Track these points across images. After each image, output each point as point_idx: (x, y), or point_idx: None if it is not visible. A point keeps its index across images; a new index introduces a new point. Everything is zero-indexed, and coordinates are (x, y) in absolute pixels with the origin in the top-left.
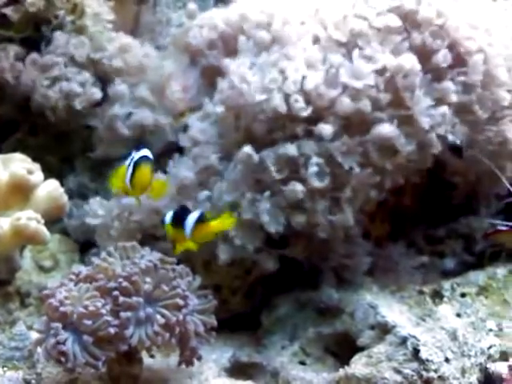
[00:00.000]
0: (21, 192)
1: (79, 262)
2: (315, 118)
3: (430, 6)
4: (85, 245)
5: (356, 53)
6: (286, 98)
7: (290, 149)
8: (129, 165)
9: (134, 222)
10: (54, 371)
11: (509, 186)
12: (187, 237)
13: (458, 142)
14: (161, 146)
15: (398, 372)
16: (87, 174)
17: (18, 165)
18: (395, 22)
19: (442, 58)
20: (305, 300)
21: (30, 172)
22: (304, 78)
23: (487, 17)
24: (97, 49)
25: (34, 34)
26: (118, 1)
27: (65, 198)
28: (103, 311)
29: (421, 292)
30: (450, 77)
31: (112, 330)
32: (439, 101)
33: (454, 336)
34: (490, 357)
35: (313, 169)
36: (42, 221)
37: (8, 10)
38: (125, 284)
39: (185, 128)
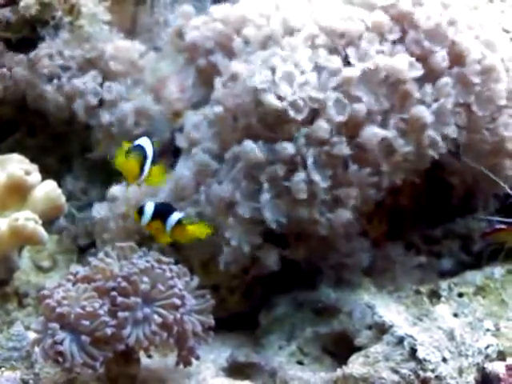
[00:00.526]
0: (18, 193)
1: (77, 263)
2: (311, 118)
3: (427, 7)
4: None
5: (352, 53)
6: (283, 97)
7: (289, 147)
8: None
9: (131, 223)
10: (52, 371)
11: (508, 189)
12: (166, 233)
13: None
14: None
15: (396, 372)
16: (85, 174)
17: (16, 165)
18: (390, 21)
19: (440, 58)
20: (302, 300)
21: (27, 173)
22: (302, 77)
23: (484, 18)
24: (93, 49)
25: (32, 35)
26: (116, 1)
27: (62, 198)
28: (101, 312)
29: (418, 292)
30: (448, 77)
31: (109, 331)
32: (437, 101)
33: (451, 336)
34: (487, 356)
35: (311, 166)
36: (40, 221)
37: (5, 11)
38: (123, 284)
39: (182, 128)
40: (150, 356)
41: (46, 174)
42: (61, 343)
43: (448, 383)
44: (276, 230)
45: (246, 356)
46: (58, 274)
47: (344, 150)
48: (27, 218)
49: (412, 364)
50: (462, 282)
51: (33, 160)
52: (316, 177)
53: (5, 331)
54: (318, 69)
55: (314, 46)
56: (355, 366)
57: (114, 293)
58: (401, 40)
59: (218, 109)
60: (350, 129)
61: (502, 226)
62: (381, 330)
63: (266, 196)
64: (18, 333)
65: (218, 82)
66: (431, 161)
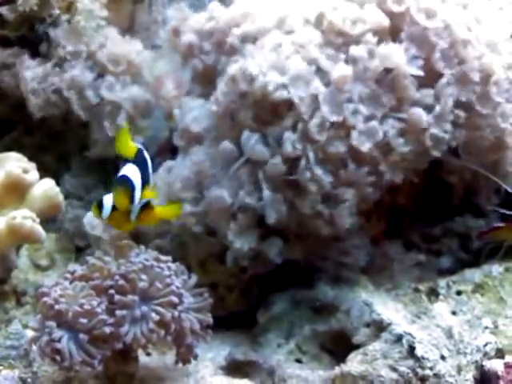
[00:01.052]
0: (16, 191)
1: (75, 261)
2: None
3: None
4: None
5: (352, 50)
6: (282, 91)
7: (288, 146)
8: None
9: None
10: (50, 370)
11: (507, 187)
12: (130, 221)
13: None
14: (156, 145)
15: (394, 369)
16: (83, 173)
17: (14, 164)
18: (387, 20)
19: (440, 56)
20: (300, 298)
21: (25, 171)
22: (300, 73)
23: (483, 15)
24: (90, 46)
25: (30, 33)
26: (113, 0)
27: (60, 197)
28: (98, 310)
29: (416, 290)
30: (447, 75)
31: (107, 329)
32: (436, 100)
33: (449, 334)
34: (485, 354)
35: (311, 164)
36: (38, 220)
37: (3, 10)
38: (121, 282)
39: (179, 126)
40: (148, 354)
41: (43, 172)
42: (58, 341)
43: (446, 381)
44: (276, 226)
45: (244, 354)
46: (56, 273)
47: (340, 148)
48: (25, 217)
49: (410, 362)
50: (460, 279)
51: (30, 158)
52: (318, 171)
53: (3, 329)
54: (316, 65)
55: (313, 43)
56: (353, 363)
57: (111, 291)
58: (400, 38)
59: (216, 107)
60: (347, 127)
61: (500, 225)
62: (379, 327)
63: (266, 192)
64: (15, 331)
65: (216, 81)
66: (430, 159)
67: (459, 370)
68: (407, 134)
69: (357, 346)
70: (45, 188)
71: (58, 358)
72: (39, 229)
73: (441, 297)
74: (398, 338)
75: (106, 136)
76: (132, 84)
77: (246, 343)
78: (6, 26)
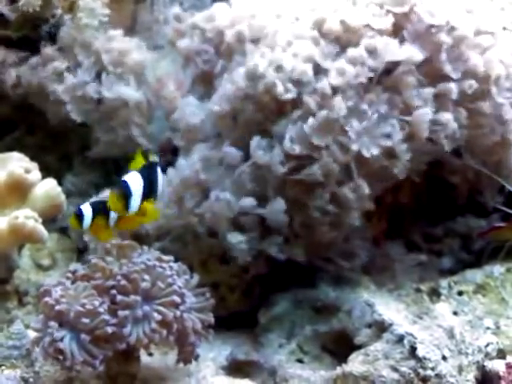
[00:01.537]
0: (18, 191)
1: (77, 261)
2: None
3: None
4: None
5: (353, 51)
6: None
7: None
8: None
9: None
10: (52, 370)
11: (509, 187)
12: (109, 229)
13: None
14: (157, 145)
15: (395, 370)
16: (85, 173)
17: (16, 164)
18: (389, 21)
19: (445, 57)
20: (302, 298)
21: (27, 171)
22: (298, 75)
23: (485, 15)
24: (92, 46)
25: (32, 33)
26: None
27: (62, 196)
28: (100, 310)
29: (418, 290)
30: (451, 75)
31: (109, 329)
32: (440, 100)
33: (451, 334)
34: (487, 355)
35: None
36: (40, 220)
37: (5, 10)
38: (123, 282)
39: (180, 127)
40: (150, 354)
41: (45, 172)
42: (60, 341)
43: (448, 381)
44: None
45: (245, 354)
46: (57, 273)
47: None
48: (27, 217)
49: (412, 362)
50: (462, 280)
51: (32, 158)
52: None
53: (5, 329)
54: (316, 67)
55: (313, 45)
56: (355, 364)
57: (113, 291)
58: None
59: (217, 107)
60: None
61: (500, 224)
62: (380, 328)
63: (271, 197)
64: (17, 331)
65: (215, 82)
66: (432, 159)
67: (460, 370)
68: (409, 135)
69: (358, 347)
70: (47, 188)
71: (60, 357)
72: (41, 229)
73: (442, 297)
74: (400, 339)
75: (107, 136)
76: (134, 84)
77: (248, 343)
78: (9, 26)
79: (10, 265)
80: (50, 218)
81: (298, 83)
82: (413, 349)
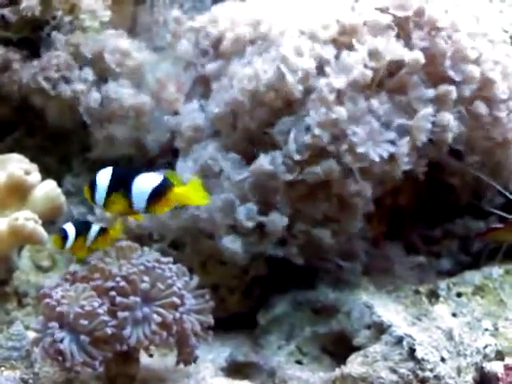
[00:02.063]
0: (18, 192)
1: (77, 262)
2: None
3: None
4: None
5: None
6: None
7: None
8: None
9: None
10: (52, 371)
11: (507, 193)
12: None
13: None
14: (157, 147)
15: (394, 371)
16: (85, 174)
17: (16, 165)
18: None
19: (446, 59)
20: (301, 300)
21: (27, 172)
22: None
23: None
24: (93, 47)
25: (33, 35)
26: (115, 1)
27: (62, 198)
28: (100, 311)
29: (417, 292)
30: (453, 77)
31: (109, 331)
32: (440, 102)
33: (449, 335)
34: (485, 356)
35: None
36: (40, 221)
37: (6, 11)
38: (122, 284)
39: (180, 128)
40: (151, 355)
41: (45, 173)
42: (60, 342)
43: (446, 383)
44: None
45: (245, 356)
46: (57, 274)
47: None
48: (27, 218)
49: (410, 364)
50: (460, 281)
51: (32, 160)
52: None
53: (4, 331)
54: (318, 68)
55: (313, 45)
56: (354, 365)
57: (113, 292)
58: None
59: (217, 109)
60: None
61: (498, 225)
62: (379, 329)
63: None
64: (17, 332)
65: (215, 84)
66: (431, 162)
67: (459, 371)
68: (411, 137)
69: (357, 348)
70: (47, 189)
71: (60, 359)
72: (41, 230)
73: (441, 299)
74: (399, 340)
75: (107, 137)
76: (134, 86)
77: (247, 344)
78: (9, 28)
79: (9, 266)
80: (50, 220)
81: (299, 84)
82: (412, 350)
